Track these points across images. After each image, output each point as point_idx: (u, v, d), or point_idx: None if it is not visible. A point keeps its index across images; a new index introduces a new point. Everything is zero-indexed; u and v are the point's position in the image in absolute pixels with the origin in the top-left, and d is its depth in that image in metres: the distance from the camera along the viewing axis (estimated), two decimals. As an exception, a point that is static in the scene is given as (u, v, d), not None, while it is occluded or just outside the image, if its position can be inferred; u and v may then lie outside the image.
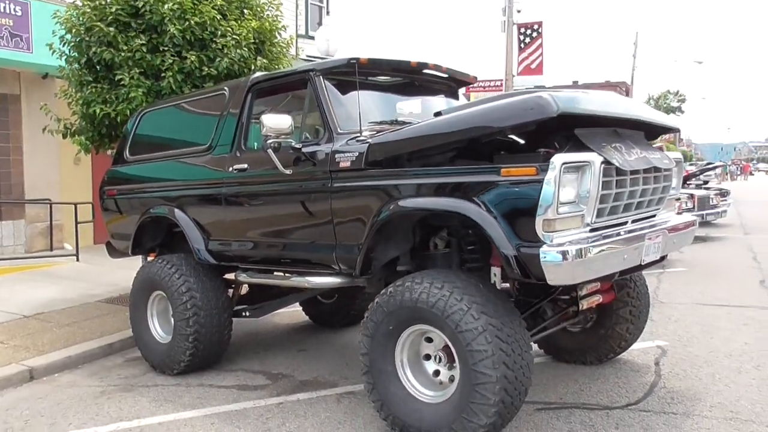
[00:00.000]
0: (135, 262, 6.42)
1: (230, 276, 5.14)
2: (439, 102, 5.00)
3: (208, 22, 6.60)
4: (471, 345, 3.24)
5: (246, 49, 6.79)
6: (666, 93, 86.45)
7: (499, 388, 3.21)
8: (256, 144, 4.75)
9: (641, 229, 3.75)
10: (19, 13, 9.68)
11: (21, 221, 11.24)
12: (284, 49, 7.64)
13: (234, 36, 6.73)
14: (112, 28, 6.45)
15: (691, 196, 12.22)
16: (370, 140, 3.83)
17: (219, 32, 6.70)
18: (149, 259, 6.00)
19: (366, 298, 5.76)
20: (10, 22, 9.57)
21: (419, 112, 4.85)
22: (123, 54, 6.43)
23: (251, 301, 5.60)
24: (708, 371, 4.70)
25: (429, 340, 3.64)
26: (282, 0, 8.16)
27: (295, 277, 4.46)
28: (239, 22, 6.92)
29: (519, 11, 19.34)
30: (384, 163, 3.77)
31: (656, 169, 3.88)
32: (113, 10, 6.47)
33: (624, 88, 57.65)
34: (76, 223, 10.40)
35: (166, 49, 6.49)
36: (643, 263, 3.70)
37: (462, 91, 5.84)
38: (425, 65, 4.75)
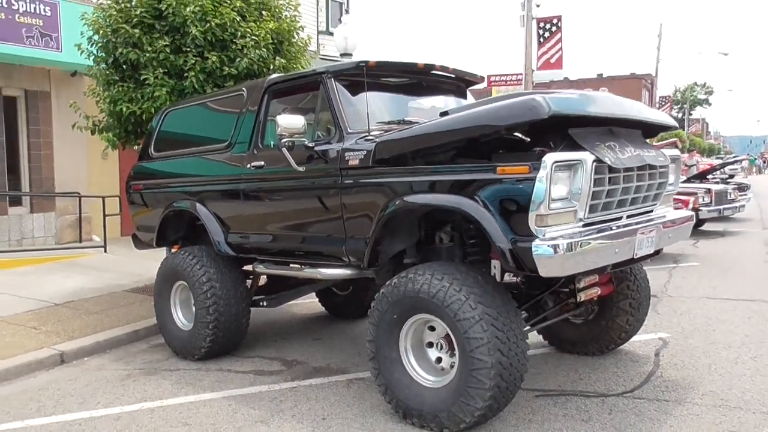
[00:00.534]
0: (159, 254, 6.74)
1: (248, 267, 5.43)
2: (449, 101, 5.21)
3: (228, 24, 6.85)
4: (468, 333, 3.46)
5: (265, 50, 7.04)
6: (693, 85, 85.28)
7: (494, 373, 3.43)
8: (272, 142, 4.99)
9: (635, 224, 3.93)
10: (49, 14, 10.06)
11: (51, 214, 11.69)
12: (302, 49, 7.88)
13: (253, 37, 6.98)
14: (137, 30, 6.74)
15: (708, 190, 12.22)
16: (377, 139, 4.05)
17: (239, 33, 6.95)
18: (173, 250, 6.31)
19: (378, 290, 6.02)
20: (40, 22, 9.95)
21: (433, 105, 5.07)
22: (147, 54, 6.71)
23: (268, 292, 5.87)
24: (705, 362, 4.86)
25: (432, 329, 3.87)
26: (301, 1, 8.41)
27: (308, 268, 4.72)
28: (258, 23, 7.16)
29: (538, 5, 19.36)
30: (390, 161, 4.00)
31: (651, 167, 4.05)
32: (138, 12, 6.76)
33: (649, 81, 57.08)
34: (104, 215, 10.79)
35: (188, 49, 6.76)
36: (636, 257, 3.88)
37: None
38: (432, 67, 4.96)
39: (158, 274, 5.73)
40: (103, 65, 7.20)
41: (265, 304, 5.66)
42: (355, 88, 4.54)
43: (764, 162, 60.66)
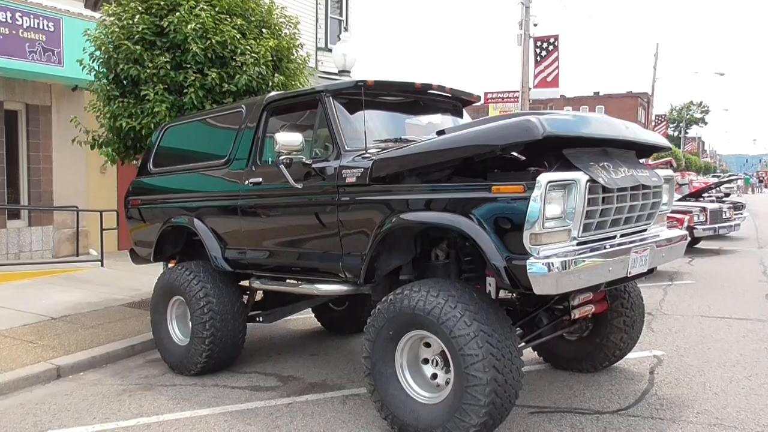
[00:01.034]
0: (156, 269, 6.79)
1: (245, 283, 5.46)
2: (445, 120, 5.28)
3: (229, 41, 6.93)
4: (463, 349, 3.49)
5: (264, 67, 7.11)
6: (689, 104, 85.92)
7: (489, 390, 3.45)
8: (270, 159, 5.05)
9: (628, 243, 3.98)
10: (52, 29, 10.16)
11: (49, 227, 11.71)
12: (301, 66, 7.97)
13: (253, 54, 7.05)
14: (138, 46, 6.81)
15: (704, 209, 12.30)
16: (374, 157, 4.10)
17: (239, 50, 7.03)
18: (170, 265, 6.34)
19: (374, 306, 6.04)
20: (43, 37, 10.04)
21: (429, 123, 5.14)
22: (148, 71, 6.78)
23: (265, 307, 5.90)
24: (700, 380, 4.88)
25: (427, 345, 3.90)
26: (301, 17, 8.52)
27: (305, 284, 4.76)
28: (258, 40, 7.25)
29: (536, 25, 19.56)
30: (387, 179, 4.05)
31: (644, 187, 4.10)
32: (140, 29, 6.83)
33: (645, 99, 57.52)
34: (102, 229, 10.82)
35: (188, 66, 6.83)
36: (629, 275, 3.93)
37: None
38: (429, 86, 5.03)
39: (155, 289, 5.75)
40: (104, 81, 7.27)
41: (261, 319, 5.69)
42: (353, 107, 4.60)
43: (760, 181, 60.92)
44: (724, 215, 12.99)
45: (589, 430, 4.00)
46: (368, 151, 4.28)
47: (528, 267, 3.35)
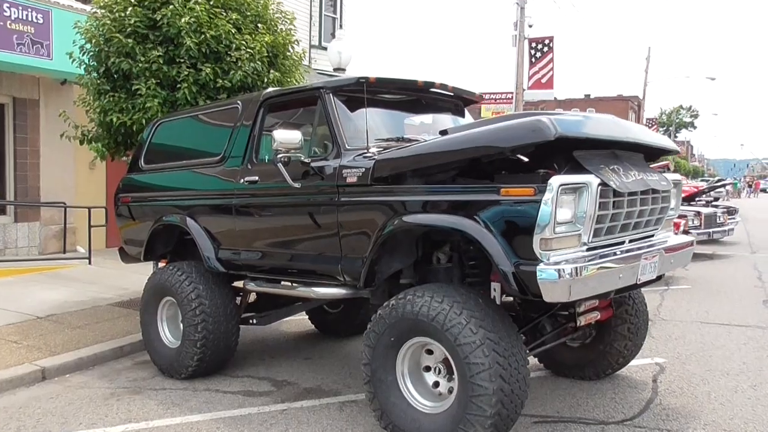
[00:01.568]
0: (145, 267, 6.61)
1: (238, 284, 5.30)
2: (446, 119, 5.15)
3: (223, 36, 6.77)
4: (469, 358, 3.35)
5: (259, 63, 6.96)
6: (678, 108, 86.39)
7: (495, 400, 3.32)
8: (267, 157, 4.90)
9: (638, 248, 3.86)
10: (41, 21, 9.93)
11: (36, 223, 11.47)
12: (297, 63, 7.81)
13: (248, 49, 6.90)
14: (130, 40, 6.63)
15: (698, 213, 12.25)
16: (376, 157, 3.96)
17: (233, 45, 6.87)
18: (160, 265, 6.17)
19: (370, 308, 5.89)
20: (31, 29, 9.81)
21: (431, 122, 5.01)
22: (140, 65, 6.61)
23: (258, 309, 5.73)
24: (704, 389, 4.78)
25: (429, 352, 3.76)
26: (296, 15, 8.36)
27: (301, 287, 4.60)
28: (253, 36, 7.09)
29: (531, 26, 19.49)
30: (389, 180, 3.91)
31: (654, 191, 3.99)
32: (132, 22, 6.65)
33: (636, 103, 57.71)
34: (90, 226, 10.60)
35: (182, 61, 6.67)
36: (639, 282, 3.81)
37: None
38: (431, 84, 4.90)
39: (145, 289, 5.58)
40: (95, 74, 7.08)
41: (254, 322, 5.53)
42: (353, 104, 4.46)
43: (748, 186, 61.27)
44: (718, 220, 12.96)
45: (595, 441, 3.88)
46: (369, 150, 4.14)
47: (538, 273, 3.22)
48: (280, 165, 4.28)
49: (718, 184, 19.20)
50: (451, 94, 5.13)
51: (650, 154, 4.40)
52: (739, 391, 4.73)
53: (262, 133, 4.93)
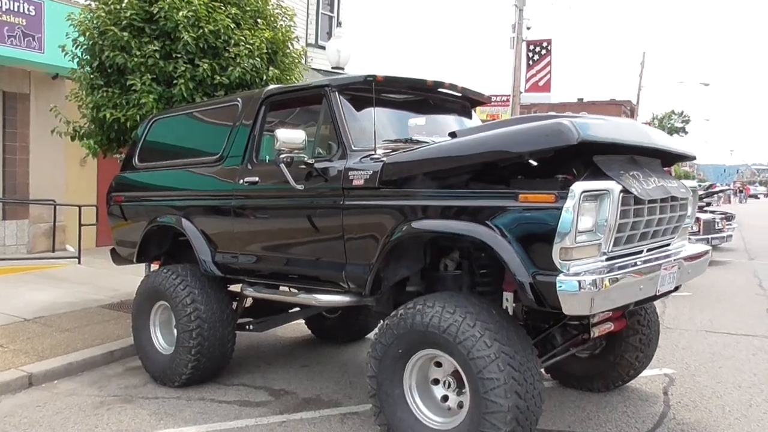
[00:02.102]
0: (137, 267, 6.38)
1: (235, 288, 5.11)
2: (453, 121, 4.97)
3: (222, 31, 6.57)
4: (482, 372, 3.18)
5: (258, 59, 6.77)
6: (670, 113, 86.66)
7: (510, 417, 3.15)
8: (267, 157, 4.71)
9: (657, 258, 3.70)
10: (33, 13, 9.69)
11: (25, 221, 11.21)
12: (296, 60, 7.62)
13: (247, 45, 6.70)
14: (125, 33, 6.43)
15: (697, 219, 12.15)
16: (384, 159, 3.78)
17: (232, 41, 6.68)
18: (153, 266, 5.96)
19: (369, 314, 5.71)
20: (23, 21, 9.58)
21: (437, 123, 4.84)
22: (135, 59, 6.40)
23: (255, 315, 5.54)
24: (718, 403, 4.63)
25: (438, 364, 3.58)
26: (295, 11, 8.18)
27: (302, 293, 4.41)
28: (252, 31, 6.89)
29: (529, 28, 19.36)
30: (398, 183, 3.73)
31: (673, 198, 3.83)
32: (128, 14, 6.45)
33: (629, 107, 57.76)
34: (80, 225, 10.36)
35: (178, 56, 6.47)
36: (658, 293, 3.65)
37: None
38: (441, 84, 4.72)
39: (138, 292, 5.36)
40: (88, 68, 6.86)
41: (251, 328, 5.33)
42: (360, 103, 4.28)
43: (739, 191, 61.49)
44: (716, 226, 12.88)
45: (609, 458, 3.71)
46: (377, 151, 3.96)
47: (557, 285, 3.05)
48: (282, 166, 4.10)
49: (716, 190, 19.13)
50: (460, 94, 4.96)
51: (667, 159, 4.25)
52: (753, 405, 4.58)
53: (263, 133, 4.74)
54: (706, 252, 4.33)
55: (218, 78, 6.56)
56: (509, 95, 20.23)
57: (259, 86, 6.52)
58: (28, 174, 11.18)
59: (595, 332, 4.09)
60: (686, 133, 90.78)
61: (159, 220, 5.37)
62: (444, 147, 3.59)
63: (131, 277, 8.68)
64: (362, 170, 3.88)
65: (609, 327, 4.19)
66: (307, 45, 16.13)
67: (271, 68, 7.04)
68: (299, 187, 4.13)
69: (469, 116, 5.18)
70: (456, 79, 4.89)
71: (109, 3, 6.63)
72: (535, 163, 3.68)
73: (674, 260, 3.76)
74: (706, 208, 15.18)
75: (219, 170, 4.91)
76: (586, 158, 3.42)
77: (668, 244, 4.06)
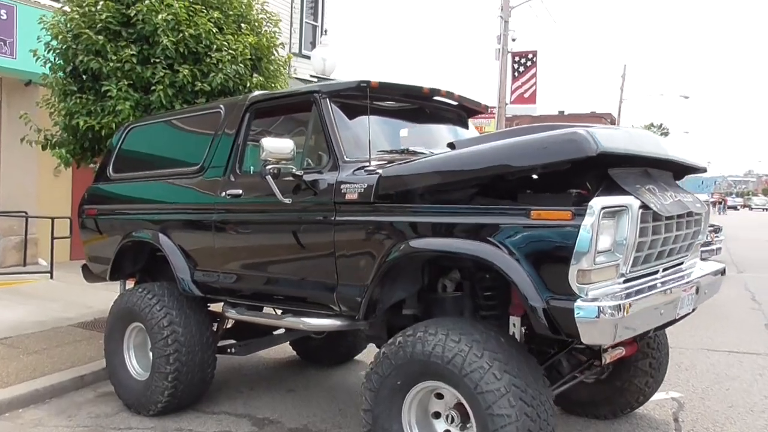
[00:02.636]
0: (112, 282, 5.98)
1: (214, 307, 4.77)
2: (449, 131, 4.69)
3: (204, 35, 6.26)
4: (492, 408, 2.87)
5: (242, 65, 6.46)
6: (650, 126, 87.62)
7: (523, 458, 2.84)
8: (252, 168, 4.39)
9: (674, 279, 3.43)
10: (4, 17, 9.28)
11: (-6, 234, 10.72)
12: (281, 67, 7.32)
13: (230, 51, 6.39)
14: (101, 37, 6.09)
15: (688, 232, 11.98)
16: (380, 171, 3.47)
17: (214, 46, 6.37)
18: (128, 283, 5.59)
19: (357, 335, 5.39)
20: (-7, 26, 9.16)
21: (418, 133, 4.55)
22: (111, 64, 6.06)
23: (237, 336, 5.19)
24: (733, 430, 4.36)
25: (439, 396, 3.27)
26: (280, 16, 7.88)
27: (289, 317, 4.07)
28: (236, 36, 6.59)
29: (514, 40, 19.23)
30: (395, 198, 3.43)
31: (689, 214, 3.58)
32: (103, 17, 6.11)
33: (609, 120, 58.11)
34: (53, 238, 9.90)
35: (157, 61, 6.14)
36: (677, 317, 3.38)
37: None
38: (437, 92, 4.44)
39: (111, 313, 4.99)
40: (61, 74, 6.50)
41: (233, 351, 4.97)
42: (352, 111, 3.99)
43: (719, 203, 62.01)
44: (705, 239, 12.71)
45: (625, 497, 3.42)
46: (371, 163, 3.66)
47: (575, 311, 2.76)
48: (269, 177, 3.77)
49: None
50: (456, 103, 4.67)
51: (679, 172, 4.00)
52: (769, 434, 4.33)
53: (247, 142, 4.42)
54: (721, 270, 4.08)
55: (199, 85, 6.24)
56: (494, 107, 20.07)
57: (242, 94, 6.20)
58: (-1, 184, 10.71)
59: (607, 358, 3.79)
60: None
61: (134, 234, 5.01)
62: (448, 159, 3.29)
63: (105, 293, 8.25)
64: (356, 183, 3.57)
65: (621, 352, 3.90)
66: (290, 54, 15.85)
67: (255, 75, 6.74)
68: (287, 200, 3.81)
69: (466, 126, 4.90)
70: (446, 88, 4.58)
71: (84, 5, 6.28)
72: (535, 177, 3.40)
73: (692, 281, 3.49)
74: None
75: (199, 182, 4.57)
76: (599, 171, 3.15)
77: (681, 263, 3.80)
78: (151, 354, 4.65)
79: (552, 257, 2.87)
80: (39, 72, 7.06)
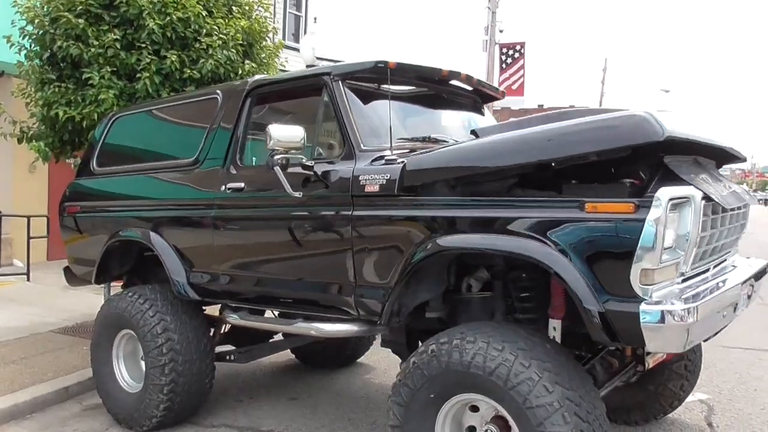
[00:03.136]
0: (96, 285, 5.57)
1: (210, 310, 4.40)
2: (465, 117, 4.36)
3: (192, 19, 5.88)
4: (544, 425, 2.54)
5: (234, 51, 6.07)
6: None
7: (579, 481, 2.52)
8: (254, 159, 4.02)
9: (730, 278, 3.13)
10: (-26, 4, 8.72)
11: (-34, 234, 10.15)
12: (273, 54, 6.94)
13: (221, 36, 6.00)
14: (81, 20, 5.67)
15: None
16: (406, 160, 3.12)
17: (204, 30, 5.99)
18: (114, 286, 5.19)
19: (361, 336, 5.04)
20: (-38, 12, 8.59)
21: (446, 119, 4.23)
22: (93, 50, 5.65)
23: (236, 341, 4.81)
24: (771, 436, 4.11)
25: (474, 408, 2.93)
26: (272, 1, 7.48)
27: (300, 322, 3.70)
28: (226, 20, 6.19)
29: (501, 31, 18.99)
30: (422, 189, 3.08)
31: (742, 206, 3.29)
32: (84, -1, 5.68)
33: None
34: (29, 237, 9.39)
35: (143, 46, 5.73)
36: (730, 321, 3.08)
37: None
38: (456, 75, 4.10)
39: (98, 319, 4.58)
40: (37, 61, 6.06)
41: (233, 358, 4.58)
42: (367, 95, 3.64)
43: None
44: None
45: None
46: (393, 151, 3.30)
47: (642, 316, 2.44)
48: (277, 169, 3.40)
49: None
50: (475, 87, 4.34)
51: (720, 161, 3.70)
52: (811, 439, 4.07)
53: (248, 131, 4.04)
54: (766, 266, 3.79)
55: (188, 72, 5.85)
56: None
57: (234, 81, 5.81)
58: (-29, 181, 10.16)
59: (650, 362, 3.50)
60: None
61: (122, 234, 4.60)
62: (485, 145, 2.94)
63: (87, 295, 7.84)
64: (377, 174, 3.21)
65: (662, 356, 3.61)
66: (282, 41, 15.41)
67: (247, 62, 6.34)
68: (297, 194, 3.44)
69: (481, 113, 4.57)
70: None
71: (62, -14, 5.83)
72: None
73: (749, 279, 3.20)
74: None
75: (195, 175, 4.18)
76: (651, 159, 2.83)
77: (725, 260, 3.51)
78: (143, 364, 4.26)
79: (611, 255, 2.55)
80: (13, 60, 6.60)
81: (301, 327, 3.69)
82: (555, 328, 3.10)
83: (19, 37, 6.14)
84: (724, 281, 2.97)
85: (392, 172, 3.16)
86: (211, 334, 4.51)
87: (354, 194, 3.28)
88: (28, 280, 9.28)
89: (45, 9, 5.88)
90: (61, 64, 5.93)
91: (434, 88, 4.19)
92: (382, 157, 3.31)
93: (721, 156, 3.53)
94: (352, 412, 4.57)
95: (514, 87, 18.69)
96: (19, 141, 6.48)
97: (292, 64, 14.16)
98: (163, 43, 5.77)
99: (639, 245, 2.45)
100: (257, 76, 4.25)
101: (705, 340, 3.06)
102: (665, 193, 2.46)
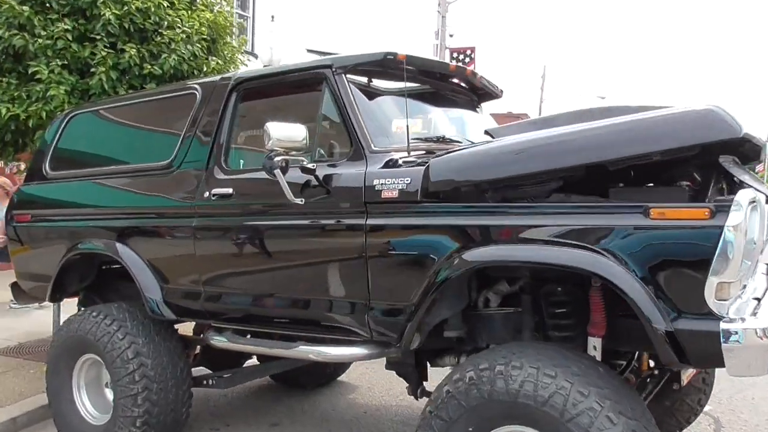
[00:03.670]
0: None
1: (183, 329, 3.95)
2: (466, 116, 4.06)
3: (153, 9, 5.40)
4: (610, 462, 2.24)
5: (198, 46, 5.59)
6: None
7: None
8: (241, 162, 3.59)
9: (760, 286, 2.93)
10: None
11: None
12: (238, 50, 6.49)
13: (184, 29, 5.52)
14: (26, 8, 5.13)
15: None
16: (431, 162, 2.77)
17: (165, 23, 5.49)
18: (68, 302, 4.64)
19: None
20: None
21: (446, 117, 3.93)
22: (40, 41, 5.10)
23: (211, 363, 4.35)
24: (786, 449, 3.96)
25: (512, 438, 2.61)
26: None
27: (301, 345, 3.28)
28: (189, 12, 5.71)
29: (452, 35, 18.94)
30: (450, 195, 2.75)
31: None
32: (28, -15, 5.11)
33: (525, 119, 59.63)
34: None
35: (97, 38, 5.22)
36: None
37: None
38: (462, 71, 3.80)
39: (55, 342, 4.05)
40: (-25, 54, 5.41)
41: (212, 383, 4.10)
42: (373, 90, 3.30)
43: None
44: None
45: None
46: (410, 153, 2.96)
47: (722, 335, 2.17)
48: (278, 172, 2.99)
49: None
50: (476, 85, 4.04)
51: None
52: (827, 450, 3.95)
53: (233, 130, 3.60)
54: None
55: (148, 67, 5.34)
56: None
57: (199, 78, 5.34)
58: None
59: (684, 379, 3.27)
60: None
61: (81, 246, 4.06)
62: (526, 144, 2.63)
63: (29, 312, 7.13)
64: (395, 178, 2.85)
65: (693, 372, 3.38)
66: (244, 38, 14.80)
67: (212, 58, 5.87)
68: (298, 201, 3.05)
69: (478, 112, 4.27)
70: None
71: (5, -31, 5.23)
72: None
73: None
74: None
75: (171, 180, 3.71)
76: (705, 159, 2.59)
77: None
78: (108, 392, 3.79)
79: (681, 267, 2.27)
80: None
81: (301, 351, 3.28)
82: (595, 347, 2.80)
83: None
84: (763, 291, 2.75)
85: (414, 176, 2.81)
86: (188, 357, 4.04)
87: (368, 201, 2.91)
88: (-42, 296, 8.42)
89: (-16, -4, 5.26)
90: (2, 57, 5.32)
91: (436, 85, 3.87)
92: (396, 159, 2.96)
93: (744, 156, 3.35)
94: (343, 437, 4.19)
95: (466, 91, 18.62)
96: (-46, 142, 5.79)
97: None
98: (120, 35, 5.27)
99: (717, 254, 2.18)
100: (243, 70, 3.82)
101: None
102: (744, 196, 2.21)
